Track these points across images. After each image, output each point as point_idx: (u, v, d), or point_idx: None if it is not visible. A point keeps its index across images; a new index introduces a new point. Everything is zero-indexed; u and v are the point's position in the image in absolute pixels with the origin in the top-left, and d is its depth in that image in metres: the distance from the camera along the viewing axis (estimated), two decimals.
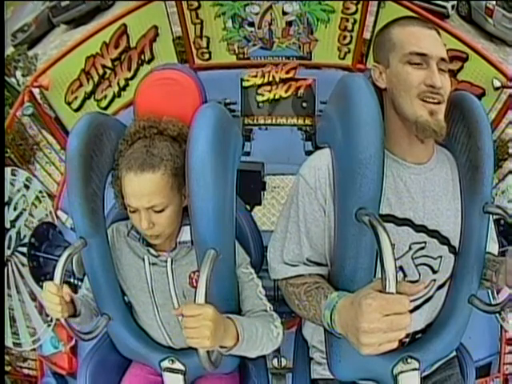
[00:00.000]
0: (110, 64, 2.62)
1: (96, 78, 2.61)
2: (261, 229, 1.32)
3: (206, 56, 2.86)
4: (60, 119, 2.59)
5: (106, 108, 2.70)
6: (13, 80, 4.11)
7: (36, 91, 2.40)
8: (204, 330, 0.84)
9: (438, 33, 0.99)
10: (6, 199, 2.22)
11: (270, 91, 2.40)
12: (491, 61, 2.43)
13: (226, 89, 2.50)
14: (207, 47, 2.84)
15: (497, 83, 2.33)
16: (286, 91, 2.40)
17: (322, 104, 2.28)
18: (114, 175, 1.09)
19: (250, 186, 2.12)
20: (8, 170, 2.27)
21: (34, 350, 2.25)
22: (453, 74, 2.45)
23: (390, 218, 0.98)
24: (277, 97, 2.40)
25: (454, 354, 1.17)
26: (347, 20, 2.69)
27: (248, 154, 2.36)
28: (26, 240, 2.24)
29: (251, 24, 2.74)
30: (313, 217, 1.01)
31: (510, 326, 2.17)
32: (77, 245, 1.04)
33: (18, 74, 4.39)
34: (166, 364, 1.13)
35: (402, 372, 1.01)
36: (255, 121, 2.42)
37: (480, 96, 2.45)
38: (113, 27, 2.56)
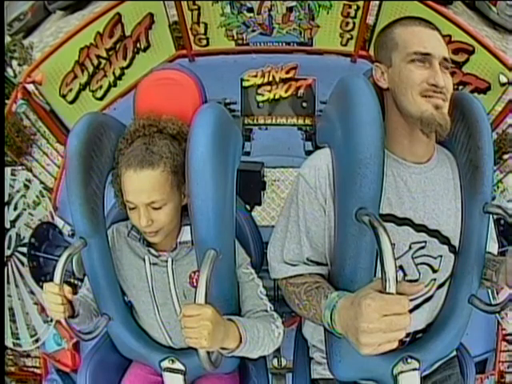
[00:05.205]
0: (104, 54, 2.61)
1: (91, 69, 2.60)
2: (260, 224, 1.32)
3: (204, 42, 2.85)
4: (55, 112, 2.59)
5: (101, 98, 2.69)
6: (9, 70, 4.10)
7: (30, 86, 2.39)
8: (202, 330, 0.85)
9: (440, 33, 0.99)
10: (6, 199, 2.22)
11: (270, 91, 2.39)
12: (498, 55, 2.42)
13: (225, 75, 2.50)
14: (205, 33, 2.82)
15: (503, 79, 2.32)
16: (286, 91, 2.39)
17: (322, 104, 2.27)
18: (114, 174, 1.09)
19: (249, 185, 2.11)
20: (8, 170, 2.27)
21: (37, 347, 2.25)
22: (458, 66, 2.45)
23: (391, 218, 0.98)
24: (277, 97, 2.39)
25: (454, 353, 1.17)
26: (350, 6, 2.67)
27: (248, 153, 2.36)
28: (26, 240, 2.24)
29: (250, 9, 2.72)
30: (313, 216, 1.01)
31: (510, 325, 2.17)
32: (77, 245, 1.04)
33: (14, 63, 4.36)
34: (166, 364, 1.13)
35: (402, 372, 1.01)
36: (255, 121, 2.41)
37: (485, 90, 2.45)
38: (107, 17, 2.54)
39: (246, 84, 2.38)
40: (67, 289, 0.99)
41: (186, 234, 1.12)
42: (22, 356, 2.32)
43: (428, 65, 0.94)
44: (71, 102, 2.61)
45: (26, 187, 2.31)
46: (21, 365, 2.33)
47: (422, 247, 1.01)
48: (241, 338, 0.94)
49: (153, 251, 1.13)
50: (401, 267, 1.00)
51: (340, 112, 0.97)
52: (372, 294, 0.73)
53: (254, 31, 2.83)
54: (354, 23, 2.74)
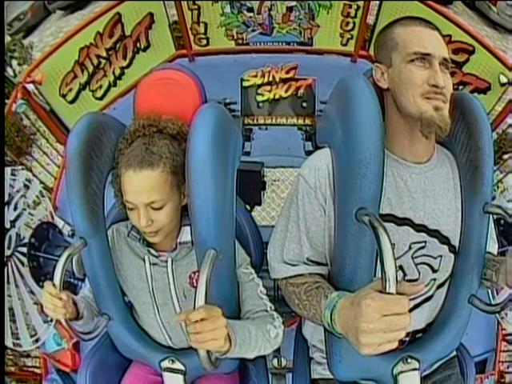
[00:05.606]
0: (104, 54, 2.61)
1: (90, 69, 2.60)
2: (260, 224, 1.32)
3: (204, 42, 2.86)
4: (55, 112, 2.59)
5: (101, 98, 2.69)
6: (9, 70, 4.11)
7: (30, 85, 2.40)
8: (222, 330, 0.84)
9: (440, 33, 0.99)
10: (6, 199, 2.22)
11: (270, 91, 2.40)
12: (498, 55, 2.43)
13: (225, 75, 2.50)
14: (205, 33, 2.83)
15: (503, 79, 2.33)
16: (286, 91, 2.40)
17: (322, 104, 2.28)
18: (114, 174, 1.09)
19: (249, 185, 2.12)
20: (8, 170, 2.27)
21: (37, 347, 2.26)
22: (458, 66, 2.45)
23: (391, 218, 0.98)
24: (277, 97, 2.40)
25: (454, 353, 1.17)
26: (350, 6, 2.68)
27: (248, 153, 2.36)
28: (26, 240, 2.24)
29: (250, 9, 2.72)
30: (313, 216, 1.01)
31: (510, 325, 2.17)
32: (77, 245, 1.04)
33: (14, 63, 4.38)
34: (166, 364, 1.13)
35: (401, 372, 1.01)
36: (255, 121, 2.42)
37: (485, 90, 2.45)
38: (107, 16, 2.55)
39: (246, 84, 2.39)
40: (65, 293, 0.98)
41: (185, 235, 1.11)
42: (22, 356, 2.32)
43: (428, 65, 0.94)
44: (71, 102, 2.61)
45: (26, 187, 2.31)
46: (21, 365, 2.33)
47: (422, 247, 1.01)
48: (230, 341, 0.92)
49: (153, 251, 1.13)
50: (401, 267, 1.00)
51: (340, 112, 0.97)
52: (372, 294, 0.73)
53: (253, 31, 2.84)
54: (354, 23, 2.75)
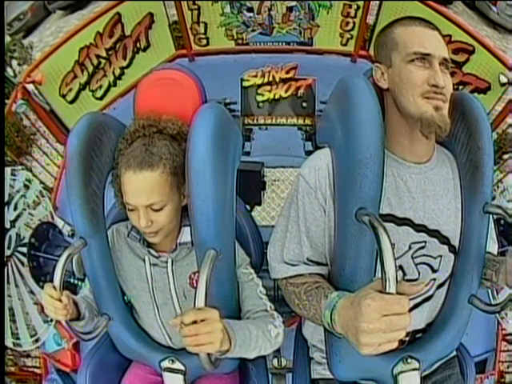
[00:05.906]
0: (104, 54, 2.61)
1: (90, 69, 2.60)
2: (260, 224, 1.32)
3: (204, 42, 2.86)
4: (55, 112, 2.59)
5: (101, 98, 2.70)
6: (9, 70, 4.11)
7: (30, 86, 2.40)
8: (217, 333, 0.84)
9: (440, 33, 0.99)
10: (6, 199, 2.22)
11: (270, 91, 2.40)
12: (498, 55, 2.43)
13: (225, 75, 2.51)
14: (205, 33, 2.83)
15: (503, 79, 2.33)
16: (286, 91, 2.40)
17: (322, 104, 2.28)
18: (114, 174, 1.09)
19: (249, 185, 2.12)
20: (8, 170, 2.27)
21: (37, 347, 2.26)
22: (458, 66, 2.45)
23: (390, 218, 0.98)
24: (277, 97, 2.40)
25: (454, 353, 1.17)
26: (350, 6, 2.68)
27: (248, 153, 2.36)
28: (26, 240, 2.25)
29: (250, 9, 2.72)
30: (313, 216, 1.01)
31: (510, 325, 2.18)
32: (77, 245, 1.04)
33: (14, 63, 4.38)
34: (166, 364, 1.13)
35: (401, 372, 1.01)
36: (255, 121, 2.42)
37: (485, 90, 2.45)
38: (106, 16, 2.55)
39: (246, 84, 2.39)
40: (66, 294, 0.98)
41: (185, 235, 1.11)
42: (22, 356, 2.32)
43: (428, 65, 0.95)
44: (71, 102, 2.61)
45: (26, 187, 2.32)
46: (21, 365, 2.33)
47: (422, 247, 1.01)
48: (230, 341, 0.92)
49: (153, 252, 1.13)
50: (400, 267, 1.00)
51: (340, 112, 0.97)
52: (372, 294, 0.73)
53: (253, 31, 2.84)
54: (354, 23, 2.75)
